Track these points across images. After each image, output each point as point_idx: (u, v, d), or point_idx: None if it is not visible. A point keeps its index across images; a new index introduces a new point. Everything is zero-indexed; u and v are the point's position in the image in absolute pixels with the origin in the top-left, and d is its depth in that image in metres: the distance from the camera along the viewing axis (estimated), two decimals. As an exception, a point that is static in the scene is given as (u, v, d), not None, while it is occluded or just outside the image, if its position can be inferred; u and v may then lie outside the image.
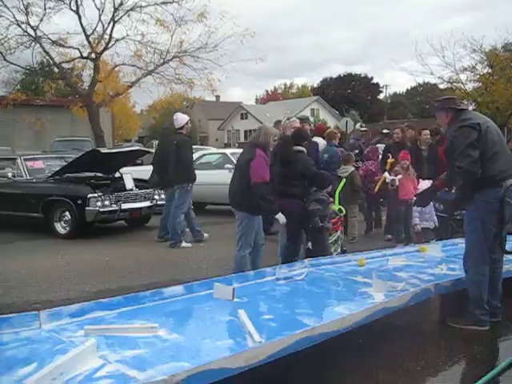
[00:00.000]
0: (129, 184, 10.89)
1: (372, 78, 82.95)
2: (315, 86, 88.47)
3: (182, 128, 9.69)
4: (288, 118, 9.27)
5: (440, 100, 5.57)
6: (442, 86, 45.69)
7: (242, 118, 69.11)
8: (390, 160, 9.64)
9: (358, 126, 13.92)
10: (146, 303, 4.71)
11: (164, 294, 4.91)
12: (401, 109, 75.29)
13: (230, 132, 70.26)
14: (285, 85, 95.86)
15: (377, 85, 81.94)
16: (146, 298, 4.76)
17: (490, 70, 36.72)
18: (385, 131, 13.46)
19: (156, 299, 4.80)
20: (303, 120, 9.51)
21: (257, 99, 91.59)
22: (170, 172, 9.66)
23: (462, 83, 37.25)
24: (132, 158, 12.60)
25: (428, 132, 9.98)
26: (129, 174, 11.14)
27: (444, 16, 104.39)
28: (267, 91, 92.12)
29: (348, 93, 79.89)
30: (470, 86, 38.17)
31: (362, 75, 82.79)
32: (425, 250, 7.14)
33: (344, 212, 7.98)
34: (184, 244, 9.58)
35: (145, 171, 11.86)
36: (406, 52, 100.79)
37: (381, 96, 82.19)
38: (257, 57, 26.32)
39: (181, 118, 9.77)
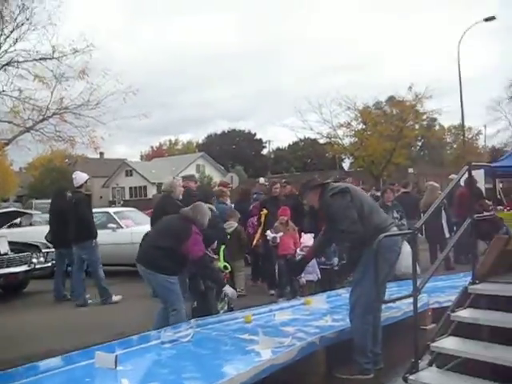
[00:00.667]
0: (2, 248, 10.27)
1: (255, 134, 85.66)
2: (200, 142, 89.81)
3: (80, 187, 9.83)
4: (174, 177, 9.30)
5: (303, 184, 5.87)
6: (321, 141, 47.99)
7: (126, 175, 68.12)
8: (264, 212, 9.86)
9: (261, 180, 14.13)
10: (20, 380, 4.35)
11: (40, 367, 4.58)
12: (284, 163, 77.81)
13: (114, 189, 68.85)
14: (170, 141, 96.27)
15: (260, 140, 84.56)
16: (18, 375, 4.40)
17: (363, 126, 39.24)
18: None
19: (30, 375, 4.45)
20: (188, 178, 9.60)
21: (142, 156, 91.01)
22: (70, 231, 9.59)
23: (340, 138, 39.53)
24: (6, 220, 11.94)
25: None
26: (3, 238, 10.51)
27: (320, 75, 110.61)
28: (152, 147, 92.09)
29: (233, 148, 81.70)
30: (346, 141, 40.54)
31: (246, 131, 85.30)
32: (310, 302, 7.27)
33: (229, 269, 7.99)
34: (114, 298, 9.72)
35: (24, 233, 11.28)
36: (287, 109, 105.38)
37: (264, 151, 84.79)
38: (140, 113, 26.15)
39: (79, 177, 9.89)
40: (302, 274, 8.95)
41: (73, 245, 9.77)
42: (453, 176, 19.17)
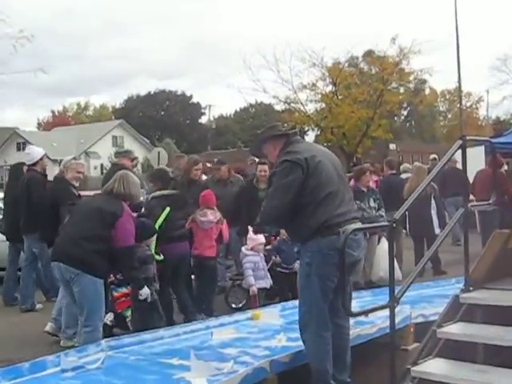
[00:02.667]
0: None
1: (191, 97, 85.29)
2: (118, 106, 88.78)
3: (35, 164, 10.10)
4: (74, 158, 9.30)
5: (263, 130, 5.96)
6: (278, 107, 48.27)
7: (18, 149, 66.70)
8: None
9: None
10: None
11: None
12: (228, 135, 77.92)
13: (1, 168, 67.32)
14: (78, 105, 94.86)
15: (198, 105, 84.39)
16: None
17: (333, 89, 39.54)
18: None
19: None
20: (122, 154, 10.04)
21: (39, 124, 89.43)
22: (21, 218, 9.86)
23: (302, 103, 39.72)
24: None
25: (265, 167, 10.38)
26: None
27: (279, 19, 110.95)
28: (53, 113, 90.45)
29: (161, 115, 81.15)
30: (311, 108, 40.84)
31: (179, 92, 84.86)
32: (258, 317, 7.34)
33: (160, 258, 8.07)
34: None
35: None
36: (234, 64, 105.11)
37: (203, 119, 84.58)
38: (37, 67, 25.60)
39: (34, 153, 10.27)
40: (252, 280, 9.04)
41: (23, 235, 9.95)
42: (432, 156, 19.79)
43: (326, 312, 5.37)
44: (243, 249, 9.34)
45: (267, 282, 9.27)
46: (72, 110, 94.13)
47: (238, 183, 11.29)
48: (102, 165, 63.23)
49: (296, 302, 7.98)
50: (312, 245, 5.33)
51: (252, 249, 9.23)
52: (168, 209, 8.32)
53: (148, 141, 69.67)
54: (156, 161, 24.22)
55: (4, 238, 10.84)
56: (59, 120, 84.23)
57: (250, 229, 9.14)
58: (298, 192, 5.33)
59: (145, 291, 7.08)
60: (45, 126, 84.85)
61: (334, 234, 5.16)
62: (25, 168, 10.34)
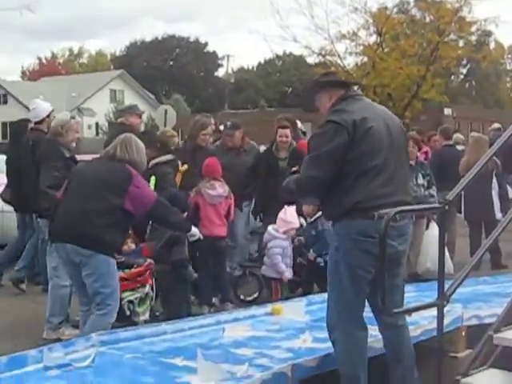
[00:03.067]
0: None
1: (206, 45, 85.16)
2: (118, 53, 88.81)
3: (41, 122, 10.33)
4: (73, 117, 9.31)
5: (317, 79, 6.00)
6: (310, 60, 48.01)
7: (-1, 103, 67.18)
8: (182, 168, 9.85)
9: (299, 125, 14.37)
10: None
11: None
12: (250, 92, 77.73)
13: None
14: (70, 50, 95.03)
15: (213, 54, 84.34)
16: None
17: (378, 39, 39.31)
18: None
19: None
20: (128, 111, 10.13)
21: (24, 72, 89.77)
22: (28, 188, 9.76)
23: (340, 57, 39.63)
24: None
25: (287, 132, 10.37)
26: None
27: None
28: (40, 60, 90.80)
29: (169, 66, 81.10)
30: (350, 62, 40.74)
31: (191, 39, 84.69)
32: (280, 311, 7.35)
33: None
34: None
35: None
36: (257, 7, 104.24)
37: (220, 72, 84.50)
38: (22, 5, 25.65)
39: (40, 108, 10.53)
40: (284, 266, 9.12)
41: (32, 210, 9.97)
42: (496, 126, 19.63)
43: (358, 307, 5.38)
44: (271, 229, 9.35)
45: (290, 272, 9.35)
46: (63, 56, 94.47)
47: (253, 151, 11.26)
48: (97, 124, 63.58)
49: (325, 296, 8.07)
50: (340, 227, 5.35)
51: (284, 232, 9.27)
52: (153, 178, 8.53)
53: (153, 96, 69.80)
54: (162, 120, 24.23)
55: (9, 208, 11.19)
56: (47, 68, 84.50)
57: (286, 208, 9.20)
58: (342, 160, 5.28)
59: (194, 231, 7.45)
60: (30, 76, 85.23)
61: (367, 218, 5.11)
62: (29, 126, 10.64)
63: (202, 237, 7.71)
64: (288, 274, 9.27)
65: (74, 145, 8.91)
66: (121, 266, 7.77)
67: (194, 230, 7.52)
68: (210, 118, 10.78)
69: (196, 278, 8.42)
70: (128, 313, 7.56)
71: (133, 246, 8.27)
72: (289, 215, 9.22)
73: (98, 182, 6.67)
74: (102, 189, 6.60)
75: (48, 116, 10.37)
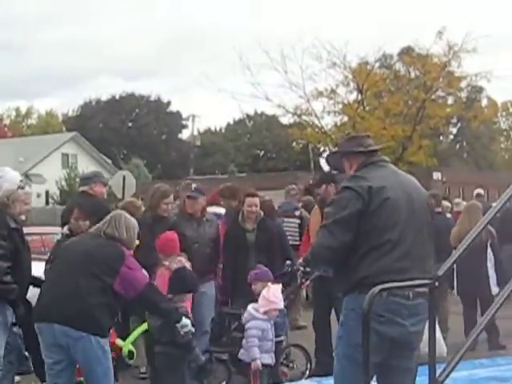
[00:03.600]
0: None
1: (169, 104, 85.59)
2: (70, 114, 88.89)
3: None
4: (21, 187, 9.31)
5: (342, 140, 6.55)
6: (284, 120, 48.30)
7: None
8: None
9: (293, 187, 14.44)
10: None
11: None
12: (218, 156, 78.02)
13: None
14: (17, 111, 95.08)
15: (177, 115, 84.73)
16: None
17: (358, 97, 39.69)
18: None
19: None
20: (91, 179, 10.36)
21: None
22: None
23: (317, 116, 39.82)
24: None
25: (256, 201, 10.47)
26: None
27: (285, 9, 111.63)
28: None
29: (127, 128, 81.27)
30: (328, 121, 40.99)
31: (152, 97, 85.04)
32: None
33: None
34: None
35: None
36: (226, 62, 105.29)
37: (184, 134, 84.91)
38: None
39: (9, 178, 10.43)
40: (257, 353, 9.08)
41: None
42: (478, 191, 19.88)
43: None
44: (251, 309, 9.28)
45: (273, 358, 9.28)
46: (9, 117, 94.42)
47: (214, 224, 11.01)
48: (47, 192, 63.34)
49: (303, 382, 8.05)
50: (348, 300, 5.52)
51: (265, 313, 9.23)
52: None
53: (110, 161, 69.82)
54: (120, 188, 24.17)
55: None
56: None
57: (270, 286, 9.19)
58: (356, 229, 5.53)
59: (184, 322, 7.41)
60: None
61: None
62: None
63: (193, 330, 7.67)
64: (263, 360, 9.17)
65: (23, 217, 8.92)
66: None
67: (185, 320, 7.46)
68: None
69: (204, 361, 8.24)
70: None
71: None
72: (272, 294, 9.17)
73: (88, 258, 6.83)
74: (91, 265, 6.75)
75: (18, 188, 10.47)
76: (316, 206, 10.77)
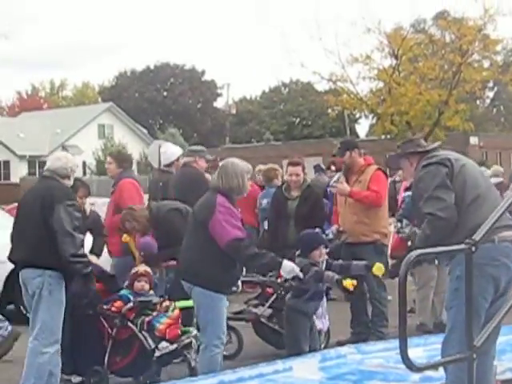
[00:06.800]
0: None
1: (204, 73, 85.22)
2: (107, 84, 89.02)
3: (170, 166, 11.49)
4: (64, 148, 9.20)
5: (400, 145, 6.88)
6: (319, 87, 48.19)
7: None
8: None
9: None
10: None
11: None
12: (253, 124, 77.87)
13: None
14: (52, 83, 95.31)
15: (212, 84, 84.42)
16: None
17: (393, 63, 39.41)
18: None
19: None
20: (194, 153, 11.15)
21: (1, 108, 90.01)
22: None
23: (352, 82, 39.64)
24: None
25: (298, 169, 10.43)
26: None
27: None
28: (20, 94, 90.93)
29: (163, 97, 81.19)
30: (363, 88, 40.86)
31: (187, 67, 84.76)
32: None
33: None
34: None
35: None
36: (261, 32, 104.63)
37: (219, 103, 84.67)
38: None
39: (171, 152, 11.68)
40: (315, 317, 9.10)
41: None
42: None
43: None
44: None
45: (325, 323, 9.30)
46: (45, 89, 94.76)
47: None
48: (84, 163, 63.49)
49: (341, 350, 8.04)
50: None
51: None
52: None
53: (146, 131, 69.95)
54: (156, 158, 24.13)
55: None
56: (28, 103, 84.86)
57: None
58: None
59: (286, 266, 7.74)
60: (9, 111, 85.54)
61: (488, 242, 5.50)
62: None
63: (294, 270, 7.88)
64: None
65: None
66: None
67: (286, 263, 7.76)
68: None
69: None
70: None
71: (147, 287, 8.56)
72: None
73: (198, 220, 7.77)
74: (197, 226, 7.75)
75: (177, 159, 11.37)
76: (342, 175, 10.66)
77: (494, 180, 14.61)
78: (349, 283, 7.64)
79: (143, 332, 8.08)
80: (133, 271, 8.70)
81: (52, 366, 7.52)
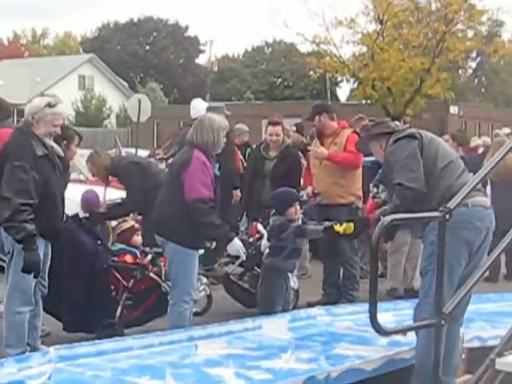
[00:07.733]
0: None
1: (187, 28, 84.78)
2: (89, 35, 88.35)
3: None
4: (49, 104, 8.85)
5: (368, 128, 7.06)
6: (302, 48, 48.11)
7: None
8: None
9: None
10: None
11: None
12: (234, 82, 77.64)
13: None
14: (33, 31, 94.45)
15: (195, 40, 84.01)
16: None
17: (378, 28, 39.33)
18: None
19: None
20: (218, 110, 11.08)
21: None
22: None
23: (335, 45, 39.56)
24: None
25: (278, 129, 10.44)
26: None
27: None
28: (1, 41, 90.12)
29: (145, 51, 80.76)
30: (346, 51, 40.97)
31: (171, 22, 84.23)
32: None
33: None
34: None
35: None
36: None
37: (201, 59, 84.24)
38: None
39: (200, 107, 11.61)
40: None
41: None
42: (507, 130, 19.69)
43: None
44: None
45: (295, 282, 9.23)
46: (25, 37, 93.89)
47: None
48: (63, 113, 63.22)
49: (311, 311, 8.09)
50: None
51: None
52: None
53: (126, 84, 69.61)
54: (136, 111, 24.12)
55: None
56: (9, 50, 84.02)
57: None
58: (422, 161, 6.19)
59: (234, 245, 7.86)
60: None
61: (462, 205, 5.51)
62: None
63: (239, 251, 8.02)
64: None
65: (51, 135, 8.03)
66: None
67: (235, 242, 7.90)
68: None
69: None
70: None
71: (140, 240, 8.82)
72: None
73: (173, 174, 7.89)
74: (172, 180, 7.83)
75: None
76: (315, 139, 10.67)
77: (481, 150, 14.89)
78: (348, 227, 7.47)
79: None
80: (126, 226, 8.91)
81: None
